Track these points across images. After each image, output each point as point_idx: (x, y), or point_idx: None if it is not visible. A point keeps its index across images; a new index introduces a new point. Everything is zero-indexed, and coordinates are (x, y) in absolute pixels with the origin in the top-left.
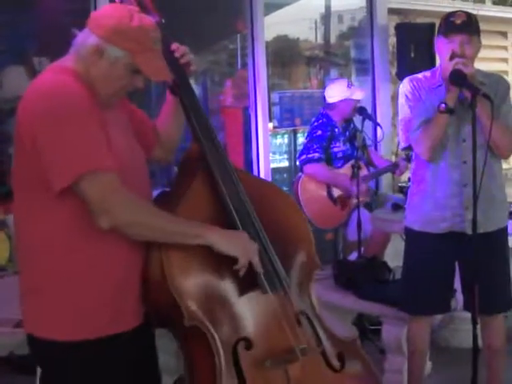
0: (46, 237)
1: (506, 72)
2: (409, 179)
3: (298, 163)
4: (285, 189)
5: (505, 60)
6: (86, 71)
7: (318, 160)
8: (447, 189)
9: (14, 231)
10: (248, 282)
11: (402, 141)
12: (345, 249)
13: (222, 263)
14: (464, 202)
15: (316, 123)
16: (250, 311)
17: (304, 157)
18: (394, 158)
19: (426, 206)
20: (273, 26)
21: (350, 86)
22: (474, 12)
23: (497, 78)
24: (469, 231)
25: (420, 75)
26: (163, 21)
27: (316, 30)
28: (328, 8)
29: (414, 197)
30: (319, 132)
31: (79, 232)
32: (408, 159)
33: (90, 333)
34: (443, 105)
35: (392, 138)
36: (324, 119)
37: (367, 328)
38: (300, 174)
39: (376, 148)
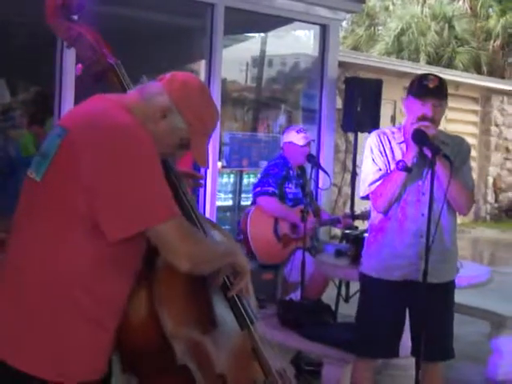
0: (66, 271)
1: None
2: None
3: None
4: (227, 227)
5: None
6: (142, 120)
7: (272, 194)
8: (405, 239)
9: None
10: (220, 318)
11: (361, 191)
12: (283, 289)
13: (200, 301)
14: (419, 253)
15: (273, 162)
16: (224, 346)
17: (259, 189)
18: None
19: (383, 255)
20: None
21: (303, 131)
22: (413, 71)
23: (459, 140)
24: (421, 280)
25: (387, 130)
26: (119, 62)
27: (247, 72)
28: (262, 52)
29: (372, 245)
30: (276, 170)
31: (101, 272)
32: (352, 217)
33: (79, 376)
34: (401, 163)
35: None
36: (281, 160)
37: (303, 368)
38: (250, 208)
39: (317, 194)
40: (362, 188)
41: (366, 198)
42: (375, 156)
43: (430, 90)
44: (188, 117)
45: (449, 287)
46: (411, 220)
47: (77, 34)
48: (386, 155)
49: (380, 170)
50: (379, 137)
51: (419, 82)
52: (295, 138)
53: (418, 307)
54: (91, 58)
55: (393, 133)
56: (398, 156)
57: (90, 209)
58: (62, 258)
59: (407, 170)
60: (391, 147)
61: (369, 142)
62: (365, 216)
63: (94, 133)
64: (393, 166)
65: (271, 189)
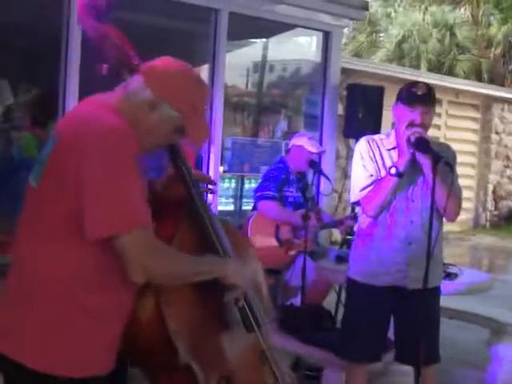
0: (65, 274)
1: (437, 138)
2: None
3: (244, 205)
4: None
5: (438, 127)
6: (131, 117)
7: (273, 198)
8: (392, 245)
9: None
10: (230, 320)
11: (352, 196)
12: (284, 294)
13: (209, 301)
14: (407, 259)
15: (273, 166)
16: (231, 348)
17: (259, 194)
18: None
19: (370, 260)
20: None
21: (314, 140)
22: (414, 78)
23: (446, 147)
24: (409, 286)
25: (376, 136)
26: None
27: (247, 77)
28: (264, 57)
29: (359, 250)
30: (275, 173)
31: (100, 275)
32: (355, 219)
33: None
34: (394, 168)
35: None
36: (281, 164)
37: (303, 373)
38: (251, 213)
39: (318, 200)
40: (353, 193)
41: (357, 203)
42: (366, 162)
43: (418, 97)
44: (176, 104)
45: (436, 293)
46: (400, 227)
47: (103, 34)
48: (376, 161)
49: (371, 175)
50: (369, 143)
51: (408, 90)
52: (307, 143)
53: (404, 313)
54: (117, 58)
55: (381, 139)
56: (388, 162)
57: (77, 210)
58: (57, 265)
59: (399, 175)
60: (381, 153)
61: (358, 148)
62: None
63: (80, 136)
64: (383, 172)
65: (271, 193)
